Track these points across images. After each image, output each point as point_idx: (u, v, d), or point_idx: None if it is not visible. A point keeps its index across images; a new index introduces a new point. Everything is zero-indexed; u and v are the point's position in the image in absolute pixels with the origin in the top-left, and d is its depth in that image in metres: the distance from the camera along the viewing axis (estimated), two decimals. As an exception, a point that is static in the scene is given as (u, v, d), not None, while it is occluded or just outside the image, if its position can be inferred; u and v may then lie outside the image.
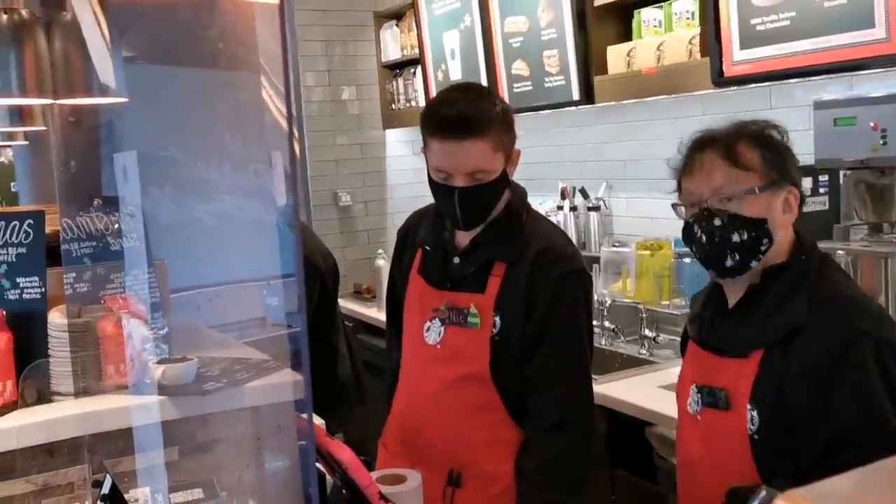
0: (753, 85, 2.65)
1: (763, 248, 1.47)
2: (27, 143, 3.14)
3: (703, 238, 1.49)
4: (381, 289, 4.08)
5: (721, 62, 2.48)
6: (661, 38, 2.79)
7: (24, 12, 1.57)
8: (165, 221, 2.20)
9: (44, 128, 2.35)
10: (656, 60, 2.79)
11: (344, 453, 1.21)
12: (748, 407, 1.44)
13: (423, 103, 4.38)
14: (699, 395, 1.53)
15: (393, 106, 4.83)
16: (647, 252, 3.10)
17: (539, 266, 1.71)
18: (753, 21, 2.38)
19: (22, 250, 1.96)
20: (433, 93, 4.12)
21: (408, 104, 4.67)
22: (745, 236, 1.45)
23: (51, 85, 1.54)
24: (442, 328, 1.75)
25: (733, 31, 2.43)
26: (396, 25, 4.71)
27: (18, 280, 1.95)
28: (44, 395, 1.93)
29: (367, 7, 4.89)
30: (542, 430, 1.67)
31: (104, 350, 2.01)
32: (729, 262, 1.47)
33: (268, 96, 1.35)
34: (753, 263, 1.48)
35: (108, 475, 1.64)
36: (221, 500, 1.69)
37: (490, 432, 1.71)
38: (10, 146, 3.42)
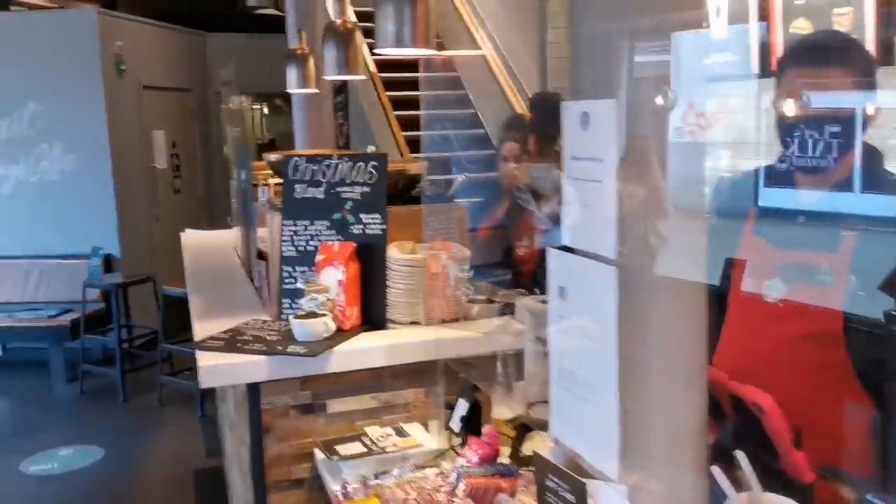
0: None
1: None
2: (317, 91, 3.40)
3: None
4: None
5: None
6: None
7: (418, -29, 1.70)
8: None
9: (364, 77, 2.54)
10: (980, 19, 2.59)
11: (764, 399, 1.25)
12: None
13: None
14: None
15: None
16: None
17: None
18: None
19: (367, 189, 2.14)
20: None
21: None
22: None
23: (434, 38, 1.66)
24: (784, 286, 1.75)
25: None
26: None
27: (362, 216, 2.14)
28: (382, 323, 2.12)
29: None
30: None
31: (430, 285, 2.18)
32: None
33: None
34: None
35: (461, 399, 1.77)
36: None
37: (833, 392, 1.70)
38: (298, 94, 3.70)
